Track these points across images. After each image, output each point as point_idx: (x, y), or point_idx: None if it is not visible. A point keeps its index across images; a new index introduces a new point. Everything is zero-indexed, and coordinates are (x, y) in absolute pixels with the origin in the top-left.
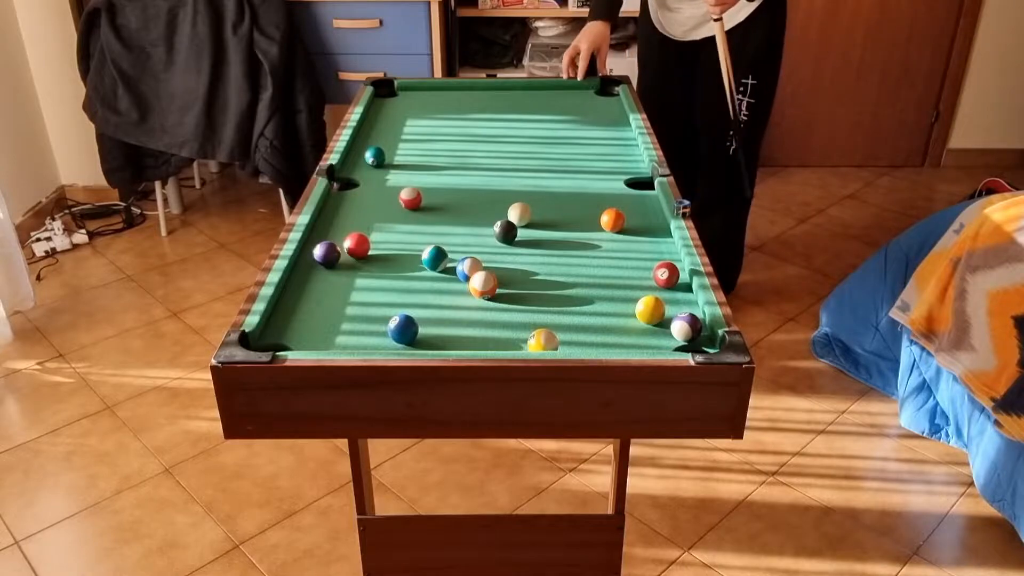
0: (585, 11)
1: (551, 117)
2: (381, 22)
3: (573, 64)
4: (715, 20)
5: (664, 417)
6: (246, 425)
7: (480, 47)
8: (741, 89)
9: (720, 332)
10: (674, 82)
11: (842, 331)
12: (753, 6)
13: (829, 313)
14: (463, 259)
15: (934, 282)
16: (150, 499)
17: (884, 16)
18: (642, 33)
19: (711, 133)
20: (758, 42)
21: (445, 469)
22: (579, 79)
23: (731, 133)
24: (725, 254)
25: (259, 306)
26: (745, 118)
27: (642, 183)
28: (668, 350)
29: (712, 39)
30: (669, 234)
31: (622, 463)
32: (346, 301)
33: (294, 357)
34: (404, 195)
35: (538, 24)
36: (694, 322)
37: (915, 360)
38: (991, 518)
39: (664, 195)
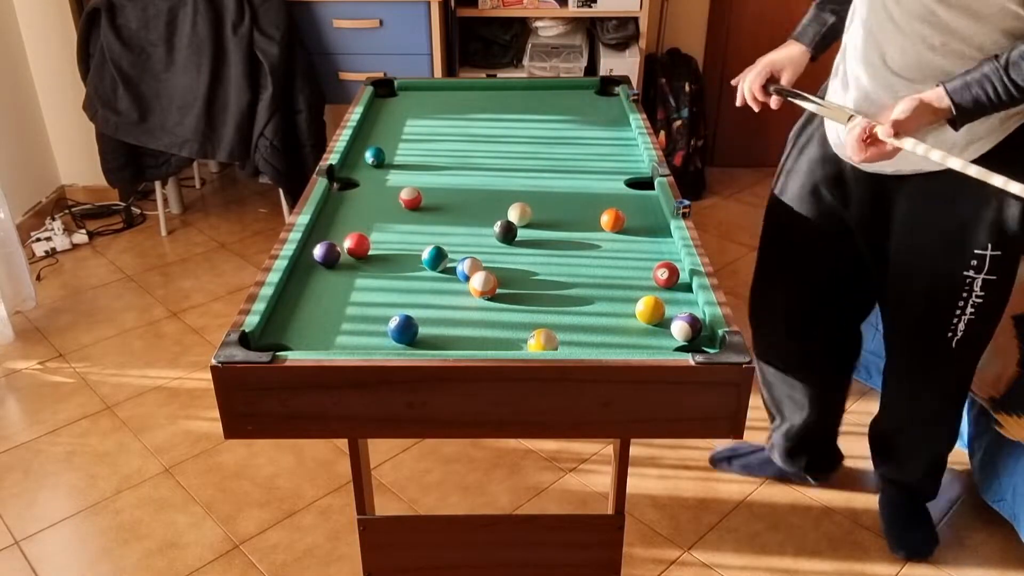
0: (584, 11)
1: (551, 117)
2: (381, 22)
3: (763, 90)
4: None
5: (664, 417)
6: (246, 425)
7: (480, 47)
8: (974, 264)
9: (720, 332)
10: (838, 227)
11: None
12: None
13: None
14: (463, 259)
15: None
16: (150, 499)
17: None
18: (804, 148)
19: (912, 311)
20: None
21: (445, 469)
22: (745, 101)
23: (957, 313)
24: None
25: (259, 306)
26: (979, 300)
27: (642, 183)
28: (668, 350)
29: (918, 175)
30: (669, 234)
31: (622, 463)
32: (346, 301)
33: (294, 357)
34: (404, 195)
35: (538, 24)
36: (694, 322)
37: None
38: (991, 518)
39: (664, 195)
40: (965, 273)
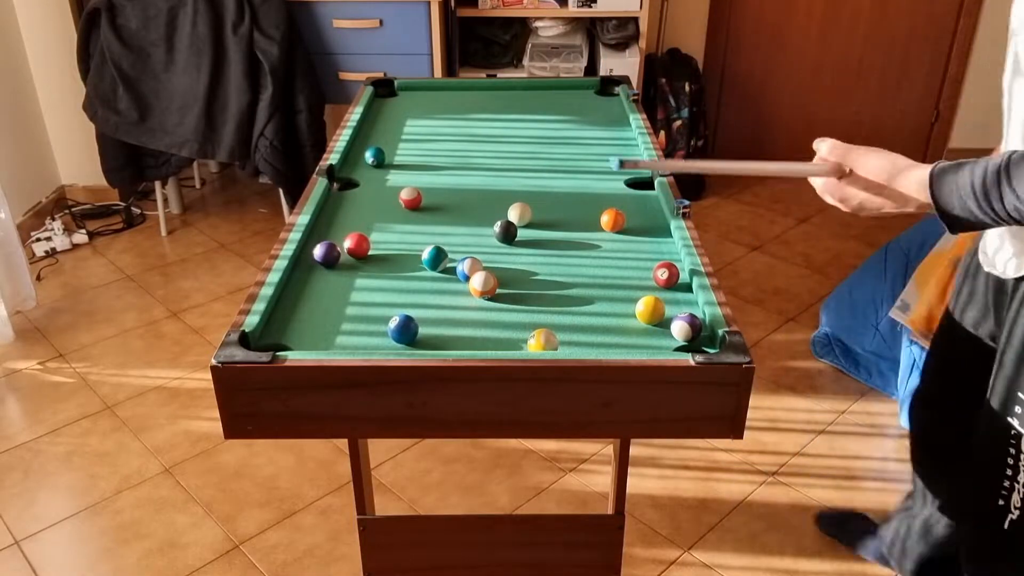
0: (584, 11)
1: (551, 117)
2: (381, 22)
3: None
4: None
5: (664, 417)
6: (246, 425)
7: (480, 47)
8: (1018, 411)
9: (720, 332)
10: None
11: (842, 331)
12: None
13: (829, 313)
14: (463, 259)
15: (934, 282)
16: (150, 499)
17: (884, 16)
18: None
19: (971, 459)
20: None
21: (445, 469)
22: None
23: (1008, 473)
24: None
25: (259, 306)
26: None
27: (642, 183)
28: (668, 350)
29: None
30: (669, 234)
31: (622, 463)
32: (346, 301)
33: (294, 357)
34: (404, 195)
35: (538, 24)
36: (694, 322)
37: (915, 360)
38: None
39: (664, 195)
40: (1009, 419)
